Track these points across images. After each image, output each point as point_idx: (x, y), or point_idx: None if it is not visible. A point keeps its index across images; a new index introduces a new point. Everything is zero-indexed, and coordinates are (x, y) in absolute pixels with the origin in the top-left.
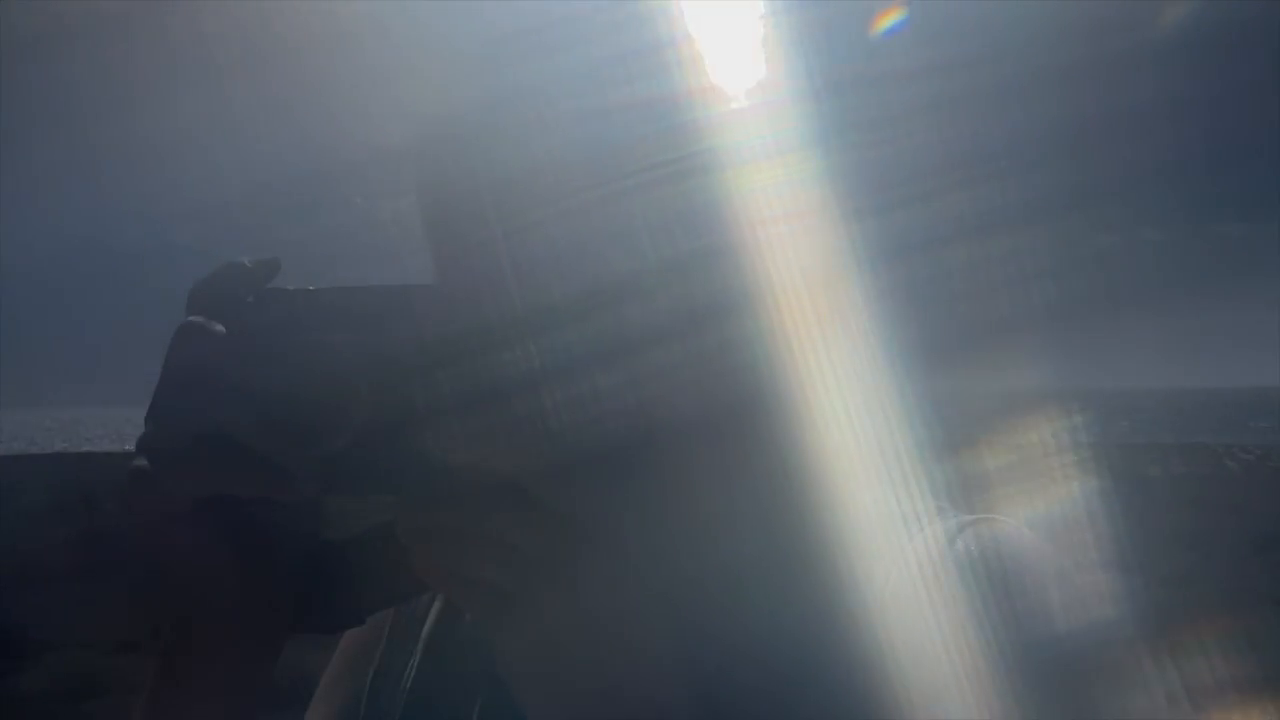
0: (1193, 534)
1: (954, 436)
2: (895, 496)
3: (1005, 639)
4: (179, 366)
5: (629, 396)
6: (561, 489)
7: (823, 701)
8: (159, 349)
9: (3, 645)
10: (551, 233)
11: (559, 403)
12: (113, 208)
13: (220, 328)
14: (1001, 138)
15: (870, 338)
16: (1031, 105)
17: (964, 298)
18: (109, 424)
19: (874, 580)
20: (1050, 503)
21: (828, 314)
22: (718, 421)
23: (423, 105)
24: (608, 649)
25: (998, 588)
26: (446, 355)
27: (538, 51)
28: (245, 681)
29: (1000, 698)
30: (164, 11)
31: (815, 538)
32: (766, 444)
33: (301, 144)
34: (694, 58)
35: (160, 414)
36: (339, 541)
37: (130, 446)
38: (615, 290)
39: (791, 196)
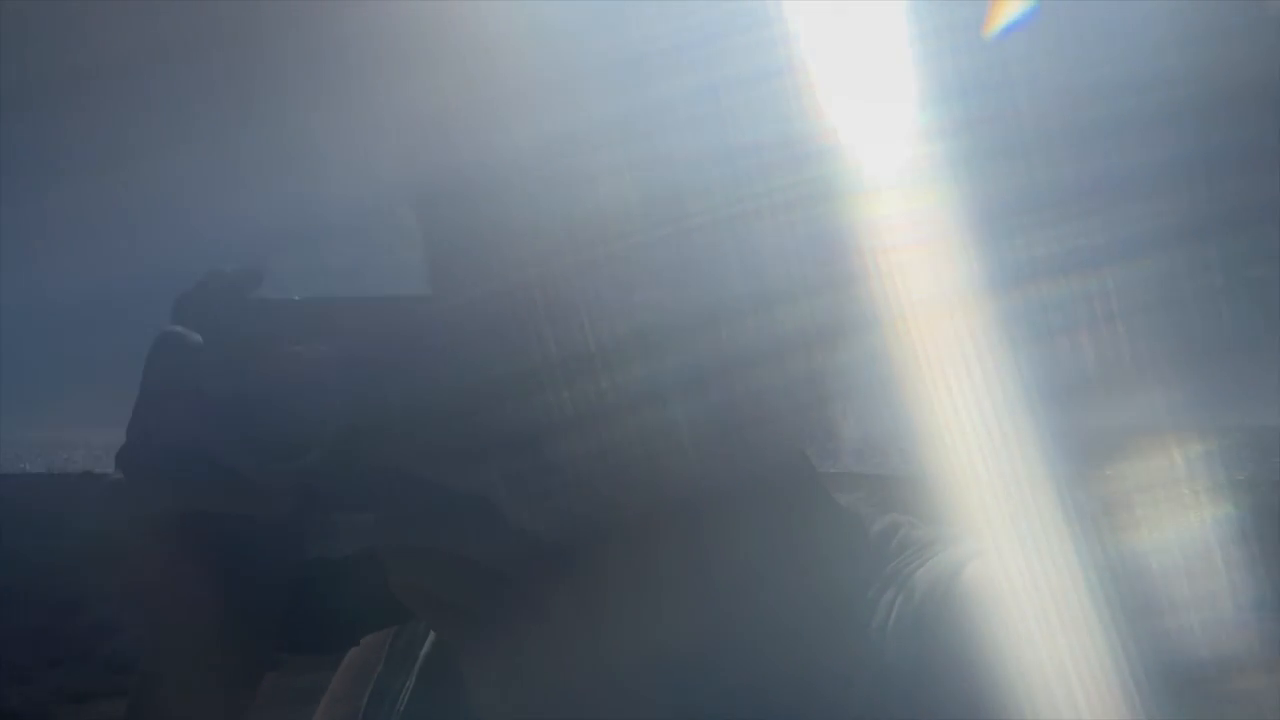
0: None
1: (1083, 467)
2: (907, 521)
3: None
4: (156, 378)
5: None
6: (538, 512)
7: None
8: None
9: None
10: (579, 276)
11: (566, 445)
12: None
13: (198, 338)
14: (1143, 164)
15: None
16: (1170, 133)
17: (1105, 324)
18: None
19: (876, 612)
20: (1185, 535)
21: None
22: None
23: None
24: (580, 678)
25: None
26: (432, 371)
27: (602, 90)
28: (228, 701)
29: None
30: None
31: (819, 566)
32: (790, 493)
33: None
34: (799, 92)
35: (137, 426)
36: (333, 560)
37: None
38: (639, 337)
39: (909, 227)
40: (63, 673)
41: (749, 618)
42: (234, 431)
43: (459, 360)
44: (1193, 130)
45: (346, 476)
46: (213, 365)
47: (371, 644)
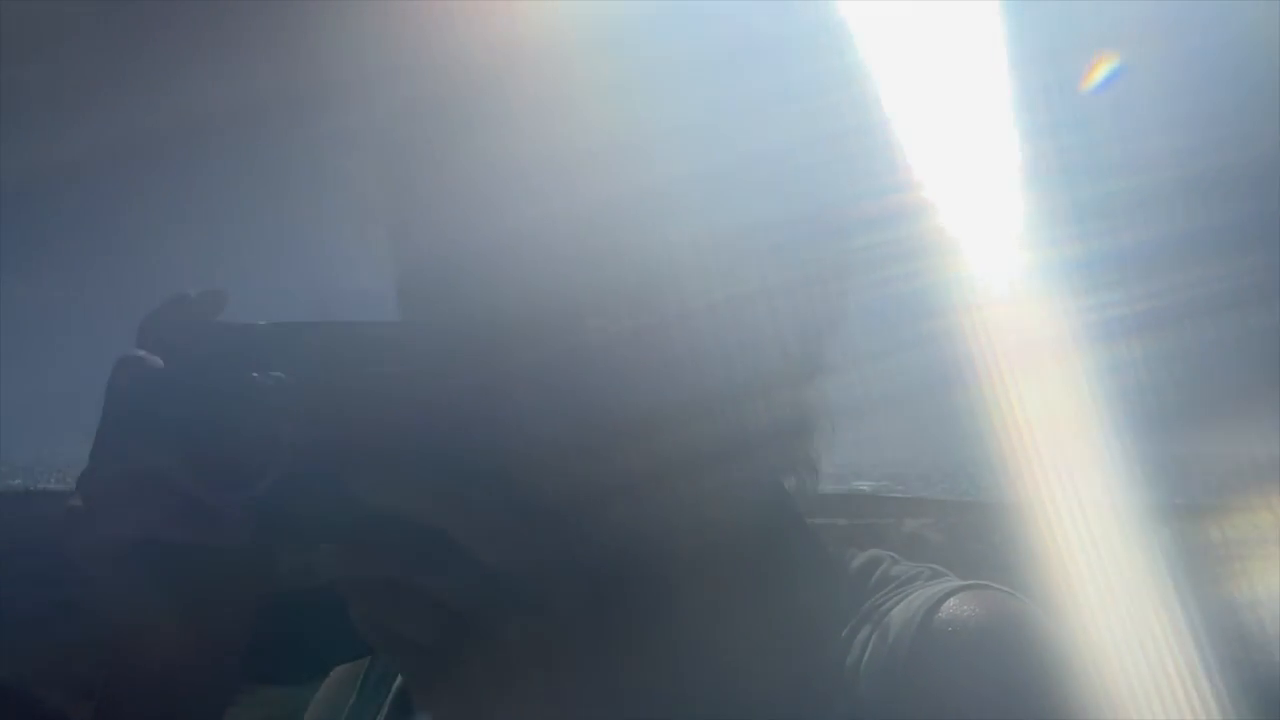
0: None
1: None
2: (889, 557)
3: None
4: (116, 402)
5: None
6: (500, 549)
7: None
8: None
9: None
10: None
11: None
12: None
13: (159, 361)
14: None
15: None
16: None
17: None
18: None
19: (851, 650)
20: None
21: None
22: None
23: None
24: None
25: (975, 669)
26: (395, 401)
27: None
28: None
29: None
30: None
31: (793, 602)
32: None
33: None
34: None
35: (97, 451)
36: (304, 590)
37: None
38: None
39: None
40: None
41: (718, 656)
42: (192, 457)
43: (423, 389)
44: None
45: (305, 505)
46: (173, 390)
47: (344, 675)
